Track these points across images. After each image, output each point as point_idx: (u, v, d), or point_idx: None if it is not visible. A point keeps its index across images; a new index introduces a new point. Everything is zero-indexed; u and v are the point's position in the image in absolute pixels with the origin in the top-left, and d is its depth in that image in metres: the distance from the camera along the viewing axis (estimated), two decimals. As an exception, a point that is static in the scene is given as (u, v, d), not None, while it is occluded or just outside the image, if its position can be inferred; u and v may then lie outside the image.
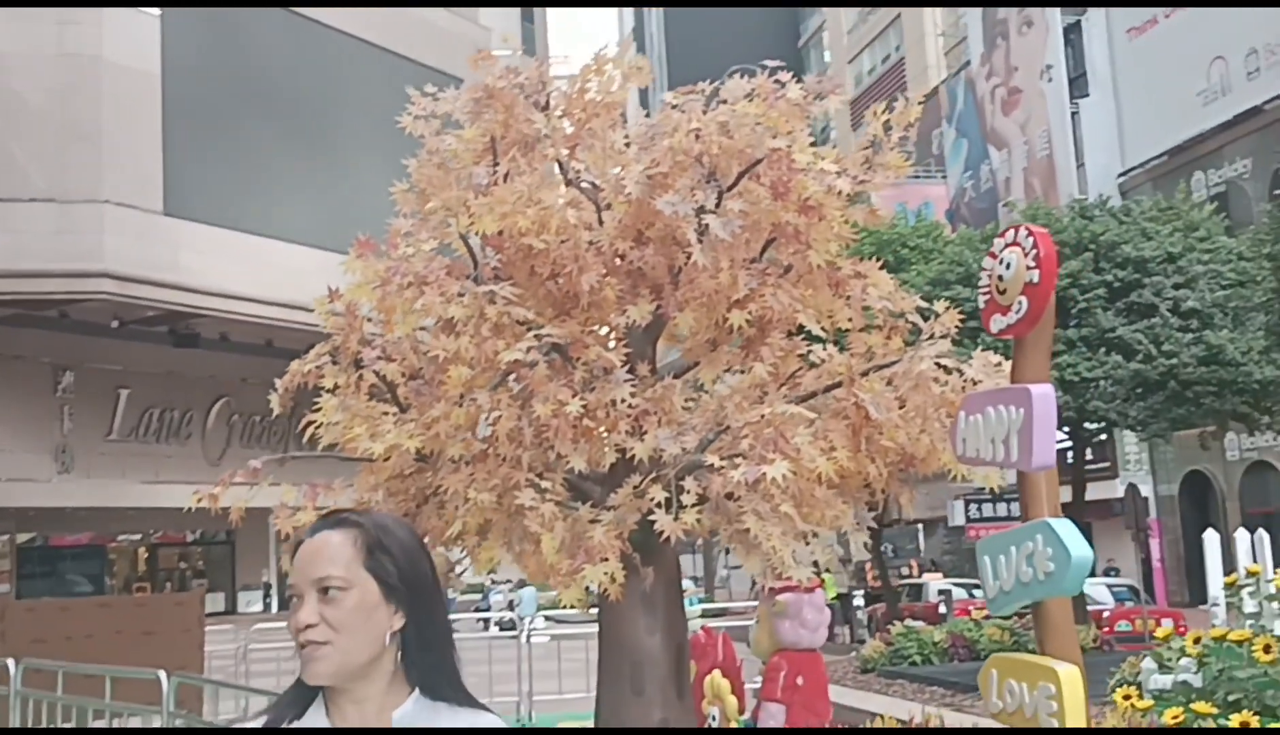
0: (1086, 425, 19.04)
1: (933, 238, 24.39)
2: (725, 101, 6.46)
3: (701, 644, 8.36)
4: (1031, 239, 5.38)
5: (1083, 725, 5.01)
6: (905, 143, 6.92)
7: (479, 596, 32.60)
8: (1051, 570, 5.08)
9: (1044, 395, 5.20)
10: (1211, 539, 6.64)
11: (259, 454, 7.92)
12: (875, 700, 8.90)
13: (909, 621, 18.22)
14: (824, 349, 7.16)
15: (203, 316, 33.16)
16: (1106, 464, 34.22)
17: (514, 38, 7.64)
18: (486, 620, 19.57)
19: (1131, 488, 19.76)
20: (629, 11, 62.49)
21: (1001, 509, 31.84)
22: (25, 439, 33.87)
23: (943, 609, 23.13)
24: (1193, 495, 34.30)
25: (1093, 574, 22.58)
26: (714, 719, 5.82)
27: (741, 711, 6.99)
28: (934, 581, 29.51)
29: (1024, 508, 5.44)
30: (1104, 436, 25.06)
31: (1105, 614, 20.44)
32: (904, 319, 7.27)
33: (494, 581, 29.94)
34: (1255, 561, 6.16)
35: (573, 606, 6.24)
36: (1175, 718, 5.38)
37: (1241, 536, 6.38)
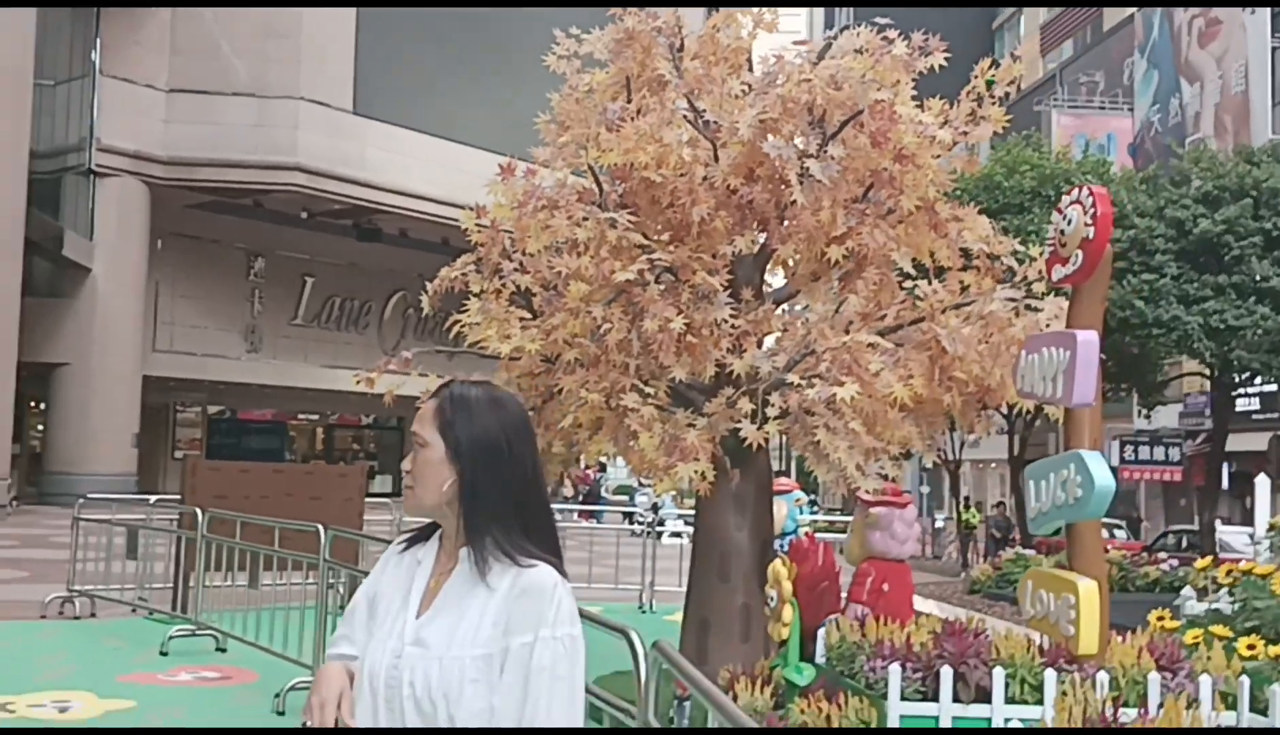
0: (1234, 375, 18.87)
1: (1097, 174, 23.98)
2: (834, 57, 7.07)
3: (803, 548, 9.09)
4: (1091, 199, 5.93)
5: (1095, 631, 5.65)
6: (1007, 98, 7.45)
7: (626, 498, 33.98)
8: (1080, 495, 5.72)
9: (1087, 341, 5.79)
10: (1263, 483, 7.07)
11: (429, 346, 8.97)
12: (949, 612, 9.48)
13: (1025, 551, 18.58)
14: (926, 285, 7.77)
15: (384, 212, 34.96)
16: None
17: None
18: (630, 515, 20.65)
19: (1275, 438, 19.51)
20: (819, 12, 60.53)
21: (1159, 452, 31.30)
22: (219, 318, 36.49)
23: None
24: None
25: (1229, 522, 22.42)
26: (772, 600, 6.57)
27: (832, 612, 7.71)
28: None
29: (1066, 440, 6.07)
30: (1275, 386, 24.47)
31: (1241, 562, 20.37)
32: (998, 261, 7.83)
33: (641, 483, 31.16)
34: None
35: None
36: (1195, 637, 5.95)
37: (1260, 482, 6.82)
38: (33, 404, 32.15)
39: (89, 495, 13.43)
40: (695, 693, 2.47)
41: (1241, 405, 28.74)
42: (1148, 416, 24.23)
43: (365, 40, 33.92)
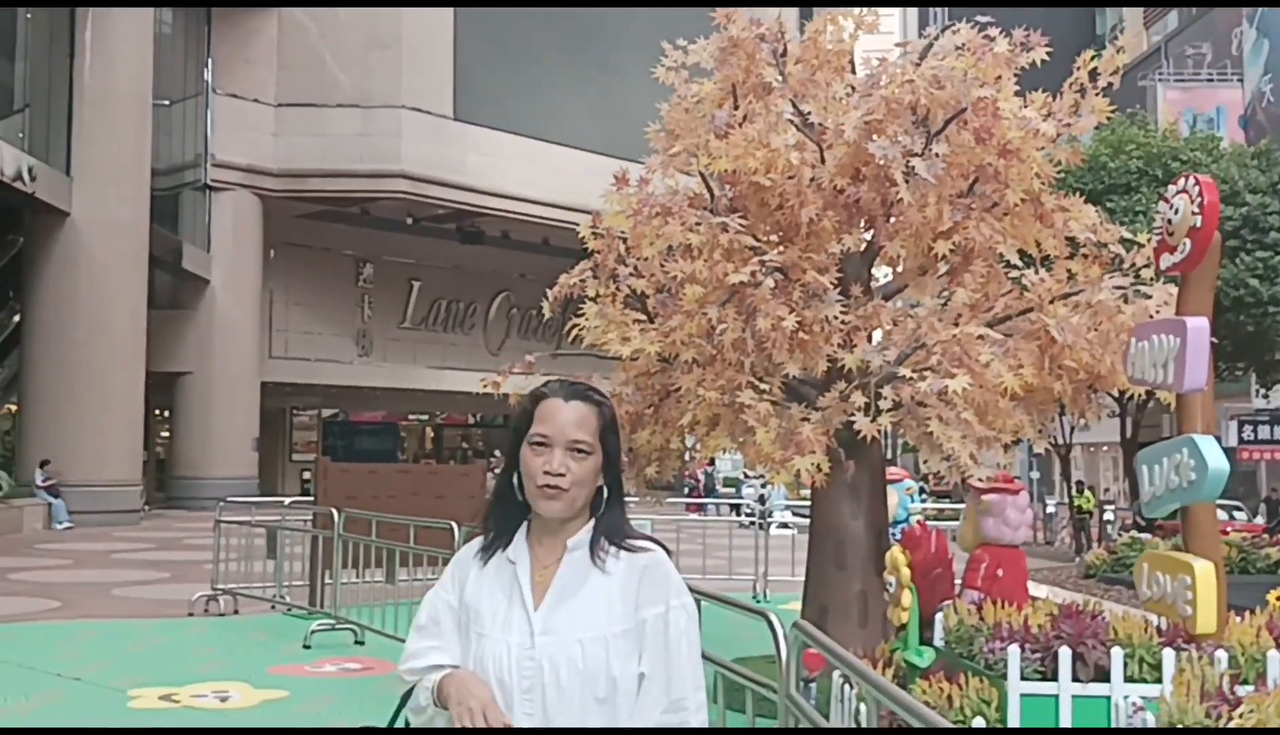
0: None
1: (1207, 150, 23.48)
2: (937, 56, 7.25)
3: (915, 536, 9.26)
4: (1199, 188, 6.05)
5: (1212, 611, 5.78)
6: (1110, 88, 7.56)
7: (733, 490, 34.20)
8: (1194, 479, 5.85)
9: (1198, 327, 5.92)
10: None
11: (534, 345, 9.37)
12: (1066, 597, 9.54)
13: (1140, 534, 18.39)
14: (1034, 275, 7.91)
15: (486, 215, 35.69)
16: None
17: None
18: (737, 508, 20.88)
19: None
20: (913, 12, 59.68)
21: (1279, 432, 30.51)
22: (332, 324, 37.58)
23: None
24: None
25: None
26: (891, 586, 6.78)
27: (946, 598, 7.85)
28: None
29: (1179, 424, 6.19)
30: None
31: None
32: (1105, 249, 7.93)
33: (747, 475, 31.28)
34: None
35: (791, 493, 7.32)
36: (1312, 617, 6.02)
37: None
38: (158, 412, 33.48)
39: (228, 499, 14.12)
40: (839, 666, 2.72)
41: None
42: (1266, 395, 23.73)
43: (463, 47, 34.62)
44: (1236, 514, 27.59)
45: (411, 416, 46.42)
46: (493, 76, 35.11)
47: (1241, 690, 4.42)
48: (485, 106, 34.86)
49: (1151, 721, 4.16)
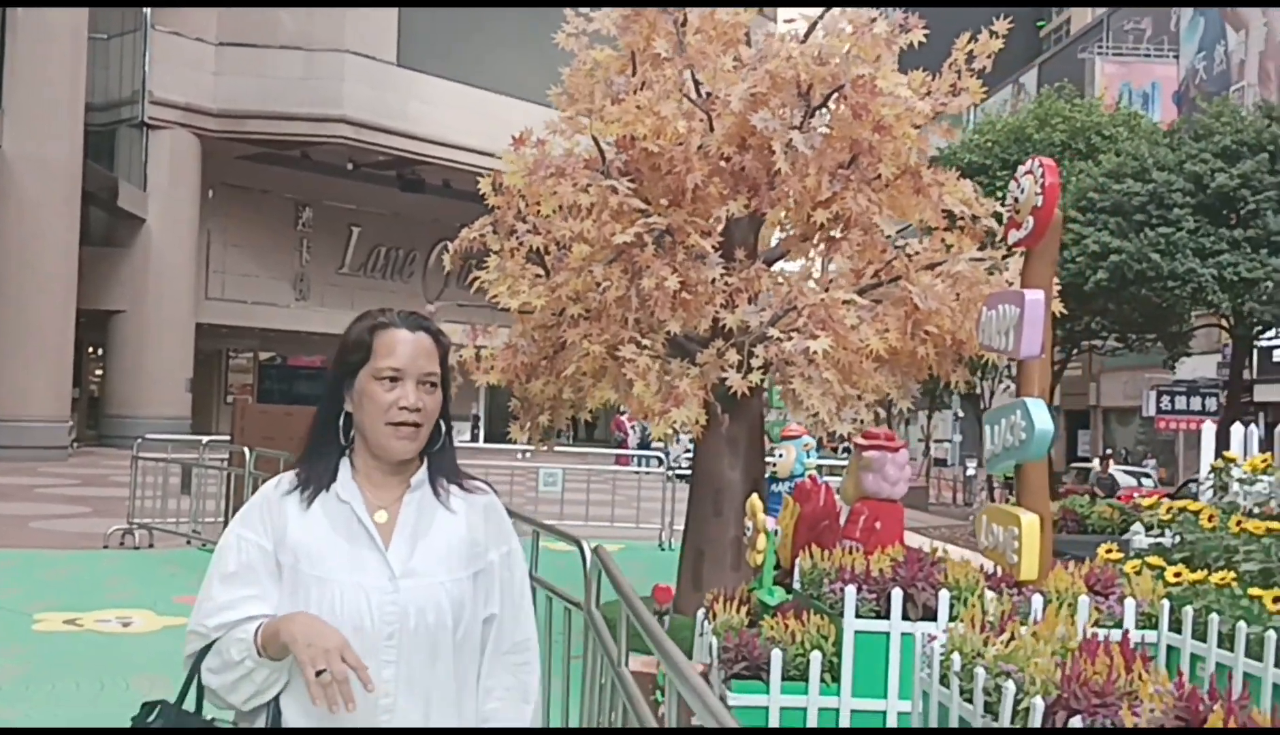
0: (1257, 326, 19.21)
1: (1129, 127, 24.19)
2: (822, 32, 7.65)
3: (806, 489, 9.75)
4: (1042, 170, 6.52)
5: (1035, 559, 6.32)
6: (985, 70, 8.00)
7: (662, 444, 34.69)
8: (1024, 439, 6.37)
9: (1035, 300, 6.41)
10: (1207, 432, 7.67)
11: (472, 295, 9.62)
12: (965, 553, 10.04)
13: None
14: (917, 244, 8.37)
15: (427, 163, 35.70)
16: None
17: None
18: (664, 460, 21.39)
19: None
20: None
21: (1195, 402, 31.43)
22: (270, 267, 37.50)
23: (1099, 491, 23.79)
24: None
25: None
26: (749, 531, 7.24)
27: (831, 548, 8.21)
28: (1096, 467, 29.84)
29: (1018, 388, 6.70)
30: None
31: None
32: (979, 222, 8.41)
33: (678, 431, 31.69)
34: (1245, 454, 7.22)
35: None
36: (1134, 567, 6.58)
37: (1236, 429, 7.41)
38: (91, 349, 33.37)
39: (146, 437, 14.36)
40: (625, 606, 3.11)
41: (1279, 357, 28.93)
42: (1172, 367, 24.60)
43: (408, -8, 34.51)
44: (1144, 480, 28.60)
45: (349, 362, 46.36)
46: (437, 24, 35.04)
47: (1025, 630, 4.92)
48: (429, 54, 34.83)
49: (939, 651, 4.66)
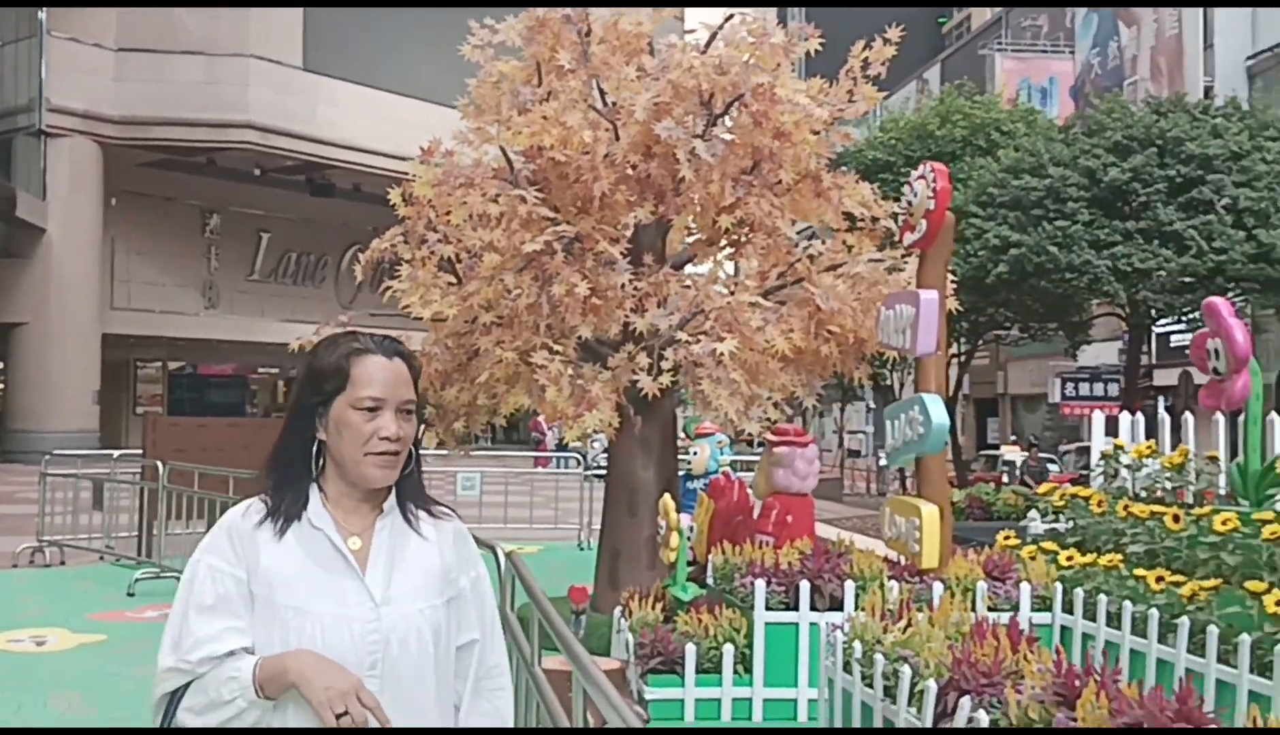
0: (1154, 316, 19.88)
1: (1027, 123, 24.84)
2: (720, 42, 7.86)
3: (720, 486, 9.96)
4: (934, 174, 6.79)
5: (936, 548, 6.60)
6: (879, 78, 8.27)
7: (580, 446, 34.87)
8: (922, 432, 6.64)
9: (929, 299, 6.68)
10: (1097, 418, 8.02)
11: (387, 302, 9.65)
12: (875, 544, 10.30)
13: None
14: (821, 246, 8.62)
15: (336, 167, 35.41)
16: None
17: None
18: (581, 460, 21.55)
19: (1185, 374, 20.67)
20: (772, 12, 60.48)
21: (1098, 388, 32.27)
22: (177, 275, 36.92)
23: (1005, 479, 24.39)
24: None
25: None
26: (662, 529, 7.43)
27: (740, 542, 8.39)
28: (1008, 453, 30.58)
29: (915, 383, 6.97)
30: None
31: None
32: (878, 223, 8.69)
33: (594, 433, 31.81)
34: (1132, 440, 7.57)
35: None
36: (1030, 553, 6.89)
37: (1124, 418, 7.77)
38: (-8, 363, 32.63)
39: (54, 452, 14.15)
40: (536, 608, 3.26)
41: (1177, 341, 29.88)
42: (1074, 354, 25.35)
43: (313, -5, 34.21)
44: (1051, 466, 29.39)
45: (261, 370, 45.82)
46: (344, 28, 34.79)
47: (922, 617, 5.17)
48: (336, 57, 34.56)
49: (842, 639, 4.88)
